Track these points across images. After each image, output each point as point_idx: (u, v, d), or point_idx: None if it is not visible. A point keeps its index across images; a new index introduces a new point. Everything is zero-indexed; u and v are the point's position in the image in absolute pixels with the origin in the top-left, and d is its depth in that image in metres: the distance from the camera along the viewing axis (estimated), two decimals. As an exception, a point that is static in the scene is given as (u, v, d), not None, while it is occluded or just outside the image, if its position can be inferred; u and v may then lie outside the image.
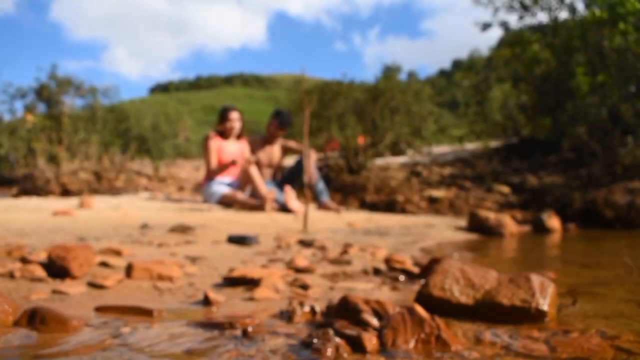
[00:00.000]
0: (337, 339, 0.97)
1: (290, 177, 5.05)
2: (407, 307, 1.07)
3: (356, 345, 0.98)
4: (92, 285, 1.53)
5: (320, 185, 5.04)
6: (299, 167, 5.03)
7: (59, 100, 7.22)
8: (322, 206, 5.00)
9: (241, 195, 4.57)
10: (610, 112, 6.03)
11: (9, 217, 3.26)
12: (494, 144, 8.42)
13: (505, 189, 6.14)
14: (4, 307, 1.17)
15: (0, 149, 6.84)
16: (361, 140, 7.00)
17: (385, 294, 1.59)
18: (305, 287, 1.53)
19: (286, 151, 5.26)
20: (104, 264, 1.79)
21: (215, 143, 4.79)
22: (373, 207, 6.01)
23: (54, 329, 1.09)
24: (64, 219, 3.27)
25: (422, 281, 1.84)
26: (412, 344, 1.00)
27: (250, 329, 1.05)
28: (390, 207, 5.93)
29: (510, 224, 4.42)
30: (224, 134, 4.88)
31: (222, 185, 4.71)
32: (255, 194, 4.61)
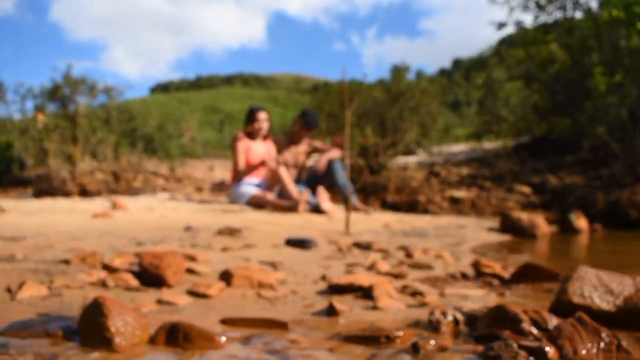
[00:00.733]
0: (522, 352, 0.93)
1: (317, 178, 4.99)
2: (577, 316, 1.03)
3: (540, 357, 0.94)
4: (194, 294, 1.47)
5: (349, 187, 4.97)
6: (327, 168, 4.97)
7: (73, 100, 7.09)
8: (350, 208, 4.94)
9: (271, 196, 4.51)
10: (629, 112, 6.06)
11: (49, 219, 3.17)
12: (496, 144, 8.44)
13: (526, 189, 6.15)
14: (132, 322, 1.07)
15: (12, 149, 6.70)
16: (365, 140, 6.97)
17: (494, 300, 1.54)
18: (417, 294, 1.48)
19: (312, 151, 5.20)
20: (190, 271, 1.73)
21: (244, 144, 4.72)
22: (394, 207, 5.98)
23: (200, 346, 1.02)
24: (105, 222, 3.19)
25: (521, 286, 1.80)
26: (593, 354, 0.96)
27: (418, 342, 1.00)
28: (412, 207, 5.91)
29: (542, 224, 4.42)
30: (251, 135, 4.81)
31: (250, 186, 4.65)
32: (284, 194, 4.55)
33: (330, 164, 4.93)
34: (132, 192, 5.78)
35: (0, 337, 1.03)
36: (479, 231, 4.31)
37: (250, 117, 4.81)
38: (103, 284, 1.53)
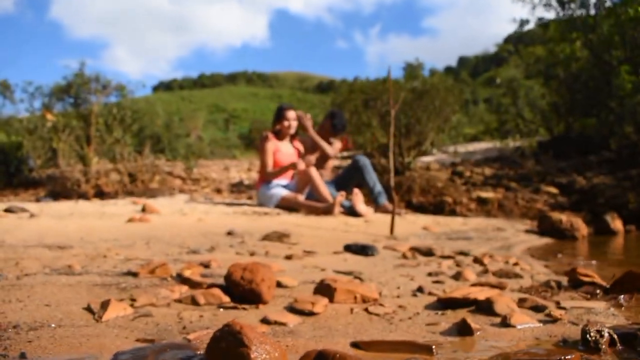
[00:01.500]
0: None
1: (346, 179, 4.85)
2: None
3: None
4: (297, 311, 1.32)
5: (379, 188, 4.84)
6: (355, 169, 4.83)
7: (87, 98, 6.91)
8: (380, 209, 4.80)
9: (301, 198, 4.36)
10: (658, 111, 5.95)
11: (83, 224, 3.01)
12: (519, 143, 8.31)
13: (553, 190, 6.01)
14: (273, 351, 0.91)
15: (22, 150, 6.51)
16: (374, 140, 6.83)
17: (622, 313, 1.40)
18: (540, 308, 1.34)
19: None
20: (278, 284, 1.57)
21: (272, 144, 4.56)
22: (420, 208, 5.84)
23: (354, 377, 0.88)
24: (142, 227, 3.03)
25: (624, 297, 1.66)
26: None
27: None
28: (438, 208, 5.76)
29: (582, 226, 4.29)
30: (279, 134, 4.65)
31: (280, 188, 4.49)
32: (312, 196, 4.40)
33: (358, 163, 4.78)
34: (150, 193, 5.60)
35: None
36: (518, 234, 4.17)
37: (279, 115, 4.65)
38: (193, 301, 1.38)
